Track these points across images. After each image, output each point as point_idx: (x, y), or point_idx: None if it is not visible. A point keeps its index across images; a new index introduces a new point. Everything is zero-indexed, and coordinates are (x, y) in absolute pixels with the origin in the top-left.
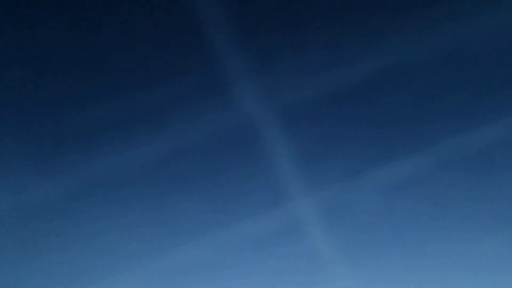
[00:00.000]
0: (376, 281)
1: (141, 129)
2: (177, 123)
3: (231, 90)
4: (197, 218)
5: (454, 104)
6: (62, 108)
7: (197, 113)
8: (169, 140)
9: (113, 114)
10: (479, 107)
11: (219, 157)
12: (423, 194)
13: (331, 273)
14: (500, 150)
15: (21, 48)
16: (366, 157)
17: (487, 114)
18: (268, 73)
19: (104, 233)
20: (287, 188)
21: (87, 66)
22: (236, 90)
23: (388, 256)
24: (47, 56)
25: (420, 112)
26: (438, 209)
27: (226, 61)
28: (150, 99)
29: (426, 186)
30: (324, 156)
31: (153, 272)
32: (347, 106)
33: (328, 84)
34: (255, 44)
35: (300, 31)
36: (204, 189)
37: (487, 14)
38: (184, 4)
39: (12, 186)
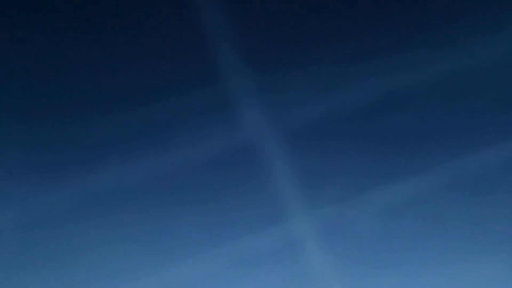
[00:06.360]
0: None
1: (143, 144)
2: (179, 138)
3: (233, 106)
4: (196, 233)
5: (456, 126)
6: (58, 121)
7: (199, 129)
8: (170, 155)
9: (114, 128)
10: (481, 129)
11: (219, 173)
12: (424, 214)
13: None
14: (502, 172)
15: (22, 52)
16: (367, 176)
17: (488, 136)
18: (270, 90)
19: (99, 247)
20: (287, 206)
21: (88, 79)
22: (237, 107)
23: (388, 276)
24: (47, 63)
25: (422, 133)
26: (439, 230)
27: (228, 78)
28: (153, 114)
29: (427, 207)
30: (326, 174)
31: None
32: (348, 124)
33: (330, 102)
34: (254, 62)
35: (301, 52)
36: (204, 205)
37: (491, 38)
38: (191, 22)
39: (14, 196)
